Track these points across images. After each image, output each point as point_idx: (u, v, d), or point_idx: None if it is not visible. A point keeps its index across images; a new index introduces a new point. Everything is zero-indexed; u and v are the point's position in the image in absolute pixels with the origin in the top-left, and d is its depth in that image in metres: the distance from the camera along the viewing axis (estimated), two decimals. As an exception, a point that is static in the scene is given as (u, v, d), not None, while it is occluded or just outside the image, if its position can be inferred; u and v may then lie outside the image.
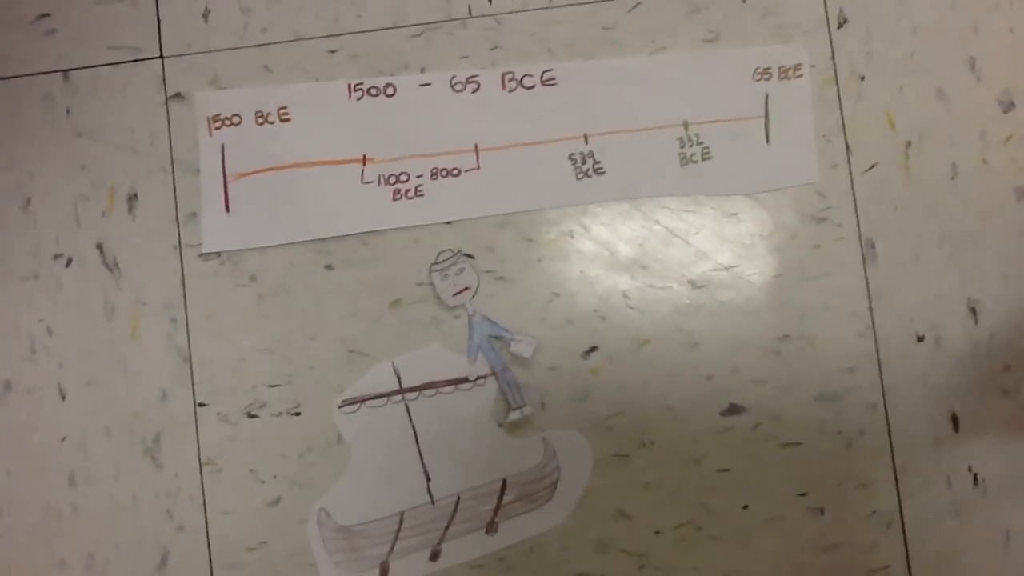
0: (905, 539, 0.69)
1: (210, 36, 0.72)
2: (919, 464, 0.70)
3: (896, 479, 0.69)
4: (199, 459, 0.69)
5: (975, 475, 0.69)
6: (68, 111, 0.72)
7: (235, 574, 0.68)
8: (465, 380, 0.69)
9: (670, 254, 0.70)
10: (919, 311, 0.70)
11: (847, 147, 0.71)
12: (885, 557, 0.69)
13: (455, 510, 0.67)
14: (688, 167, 0.71)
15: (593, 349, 0.70)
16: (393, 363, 0.69)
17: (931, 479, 0.70)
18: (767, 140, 0.71)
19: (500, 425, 0.69)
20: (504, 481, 0.68)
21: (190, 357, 0.69)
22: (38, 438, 0.69)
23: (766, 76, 0.72)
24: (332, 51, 0.72)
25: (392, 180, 0.71)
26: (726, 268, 0.70)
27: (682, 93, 0.72)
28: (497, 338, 0.69)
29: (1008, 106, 0.72)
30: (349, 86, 0.72)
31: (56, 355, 0.70)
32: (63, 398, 0.69)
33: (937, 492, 0.69)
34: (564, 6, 0.72)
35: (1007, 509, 0.69)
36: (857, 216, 0.70)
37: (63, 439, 0.69)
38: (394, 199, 0.71)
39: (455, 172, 0.71)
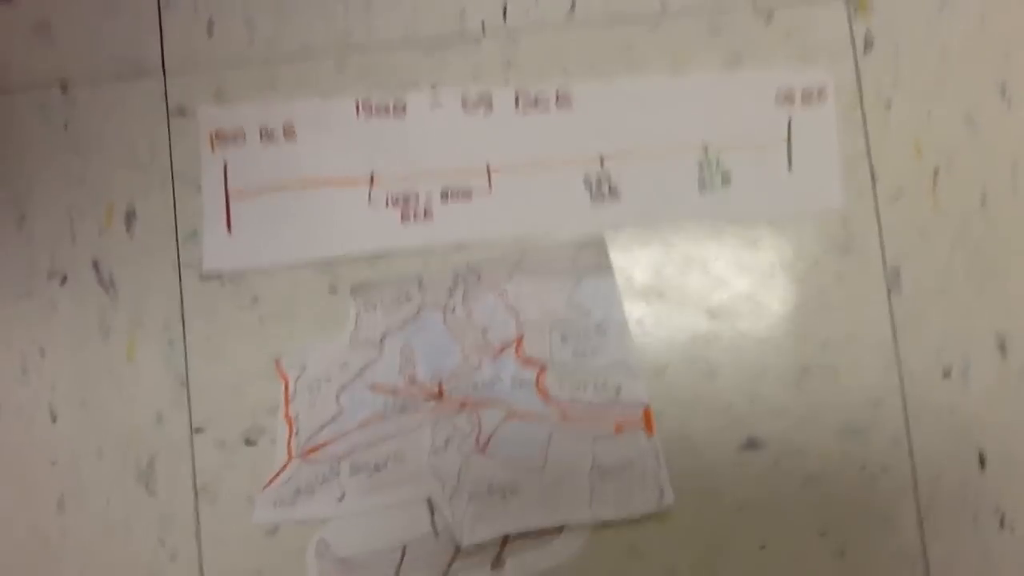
0: (930, 582, 0.71)
1: (214, 50, 0.75)
2: (944, 503, 0.71)
3: (920, 518, 0.71)
4: (194, 485, 0.71)
5: (1002, 516, 0.71)
6: (66, 125, 0.74)
7: (230, 606, 0.70)
8: (473, 408, 0.72)
9: (688, 281, 0.73)
10: (946, 344, 0.72)
11: (872, 174, 0.74)
12: (908, 601, 0.71)
13: (460, 544, 0.69)
14: (707, 192, 0.73)
15: (606, 378, 0.72)
16: (398, 389, 0.72)
17: (957, 519, 0.71)
18: (789, 165, 0.74)
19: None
20: (511, 514, 0.70)
21: (187, 380, 0.72)
22: (27, 461, 0.71)
23: (789, 100, 0.74)
24: (340, 67, 0.75)
25: (400, 201, 0.73)
26: (746, 296, 0.73)
27: (702, 116, 0.74)
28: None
29: (1040, 133, 0.74)
30: (357, 103, 0.74)
31: (48, 376, 0.72)
32: (54, 420, 0.71)
33: (963, 532, 0.71)
34: (581, 24, 0.75)
35: (1036, 552, 0.71)
36: (882, 245, 0.73)
37: (53, 462, 0.71)
38: (402, 220, 0.73)
39: (466, 194, 0.73)
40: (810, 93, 0.74)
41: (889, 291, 0.72)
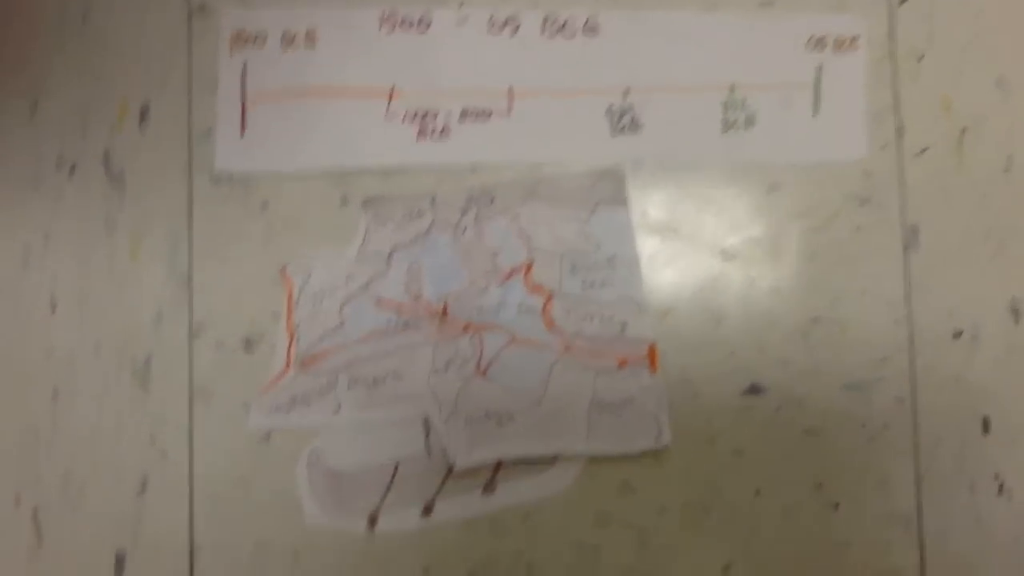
0: (922, 542, 0.71)
1: (241, -51, 0.74)
2: (943, 465, 0.71)
3: (918, 479, 0.71)
4: (190, 386, 0.71)
5: (1001, 483, 0.71)
6: (85, 16, 0.74)
7: (216, 507, 0.70)
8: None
9: (703, 221, 0.72)
10: (958, 305, 0.72)
11: (899, 128, 0.73)
12: (899, 559, 0.71)
13: (452, 466, 0.69)
14: (730, 132, 0.73)
15: (613, 313, 0.72)
16: (402, 306, 0.72)
17: (954, 482, 0.71)
18: (815, 112, 0.73)
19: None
20: (506, 440, 0.70)
21: (190, 281, 0.72)
22: (24, 349, 0.71)
23: (820, 46, 0.74)
24: (368, -23, 0.74)
25: (418, 117, 0.73)
26: (760, 241, 0.72)
27: (731, 55, 0.74)
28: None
29: (1071, 101, 0.74)
30: (382, 14, 0.74)
31: (50, 266, 0.72)
32: (53, 311, 0.71)
33: (959, 496, 0.71)
34: (615, -48, 0.74)
35: (1032, 521, 0.71)
36: (903, 200, 0.72)
37: (50, 353, 0.71)
38: (418, 137, 0.73)
39: (485, 115, 0.73)
40: (842, 41, 0.73)
41: (906, 248, 0.72)
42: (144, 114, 0.72)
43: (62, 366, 0.70)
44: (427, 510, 0.69)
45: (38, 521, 0.70)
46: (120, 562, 0.69)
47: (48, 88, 0.72)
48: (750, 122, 0.72)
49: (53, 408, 0.70)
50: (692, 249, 0.71)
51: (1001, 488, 0.70)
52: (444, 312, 0.69)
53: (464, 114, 0.72)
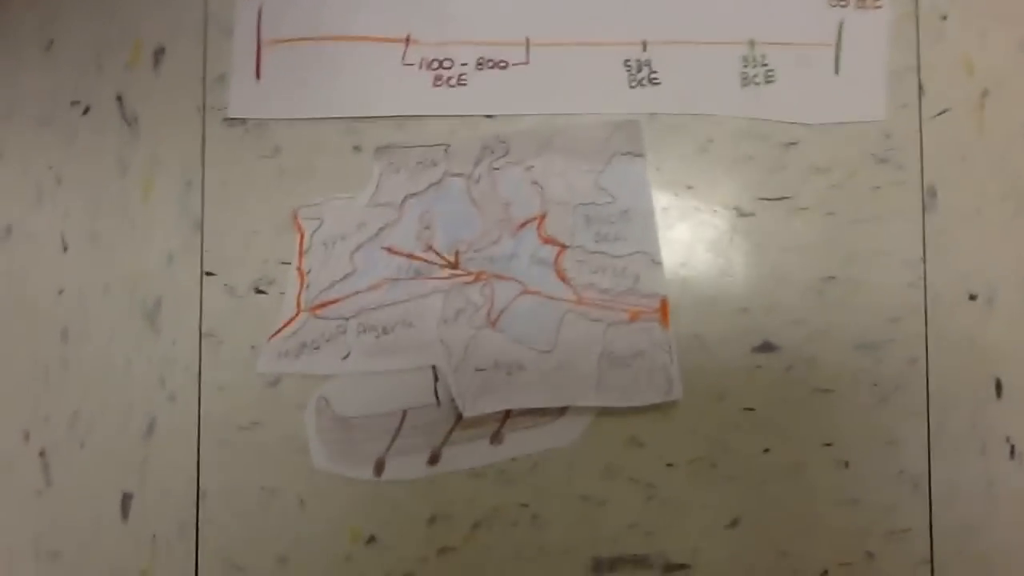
0: (931, 504, 0.70)
1: None
2: (955, 427, 0.71)
3: (929, 440, 0.71)
4: (200, 329, 0.71)
5: (1012, 446, 0.71)
6: (101, -44, 0.74)
7: (223, 451, 0.70)
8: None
9: (718, 176, 0.72)
10: (975, 268, 0.71)
11: (920, 88, 0.73)
12: (907, 520, 0.70)
13: (460, 415, 0.69)
14: (749, 88, 0.72)
15: (625, 266, 0.72)
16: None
17: (965, 445, 0.71)
18: (836, 70, 0.72)
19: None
20: (515, 391, 0.70)
21: (202, 223, 0.71)
22: (34, 288, 0.71)
23: (842, 3, 0.73)
24: (387, -77, 0.73)
25: (435, 65, 0.72)
26: (776, 198, 0.72)
27: (752, 10, 0.73)
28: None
29: (1094, 64, 0.73)
30: (400, -39, 0.73)
31: (62, 205, 0.72)
32: (65, 250, 0.71)
33: (970, 459, 0.71)
34: (638, -98, 0.74)
35: (1042, 486, 0.71)
36: (922, 161, 0.72)
37: (60, 292, 0.71)
38: (434, 85, 0.72)
39: (502, 64, 0.72)
40: (865, -2, 0.73)
41: (923, 209, 0.71)
42: (159, 56, 0.71)
43: (72, 306, 0.70)
44: (434, 459, 0.69)
45: (46, 460, 0.70)
46: (126, 503, 0.69)
47: (63, 26, 0.72)
48: (769, 78, 0.72)
49: (62, 348, 0.70)
50: (707, 204, 0.71)
51: (1012, 451, 0.70)
52: (455, 261, 0.69)
53: (481, 63, 0.71)
